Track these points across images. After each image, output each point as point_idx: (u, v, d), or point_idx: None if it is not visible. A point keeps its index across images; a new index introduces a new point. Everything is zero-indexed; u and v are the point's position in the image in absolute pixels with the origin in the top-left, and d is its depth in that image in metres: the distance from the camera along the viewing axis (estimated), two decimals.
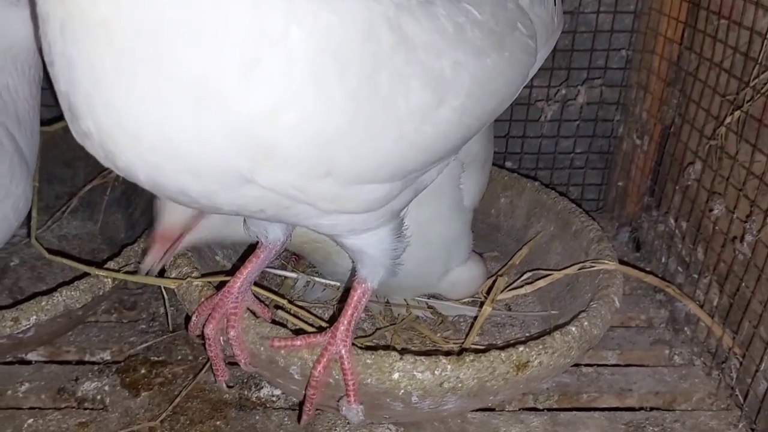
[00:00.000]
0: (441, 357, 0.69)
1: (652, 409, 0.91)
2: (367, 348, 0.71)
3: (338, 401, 0.71)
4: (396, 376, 0.68)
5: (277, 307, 0.88)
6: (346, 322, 0.70)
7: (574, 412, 0.88)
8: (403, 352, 0.69)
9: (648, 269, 1.12)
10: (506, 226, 1.11)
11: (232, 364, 0.90)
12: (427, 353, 0.70)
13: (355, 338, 0.78)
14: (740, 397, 0.88)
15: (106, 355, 0.97)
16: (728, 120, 0.93)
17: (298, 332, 0.73)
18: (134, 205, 1.13)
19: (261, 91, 0.48)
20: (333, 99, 0.51)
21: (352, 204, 0.59)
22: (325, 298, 1.00)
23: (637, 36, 1.23)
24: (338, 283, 0.99)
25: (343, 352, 0.69)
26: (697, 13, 1.04)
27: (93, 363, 0.95)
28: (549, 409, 0.90)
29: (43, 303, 0.83)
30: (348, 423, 0.84)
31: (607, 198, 1.35)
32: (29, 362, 0.95)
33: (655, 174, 1.18)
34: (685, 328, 1.02)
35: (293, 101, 0.50)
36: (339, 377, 0.70)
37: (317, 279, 0.99)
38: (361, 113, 0.53)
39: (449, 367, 0.68)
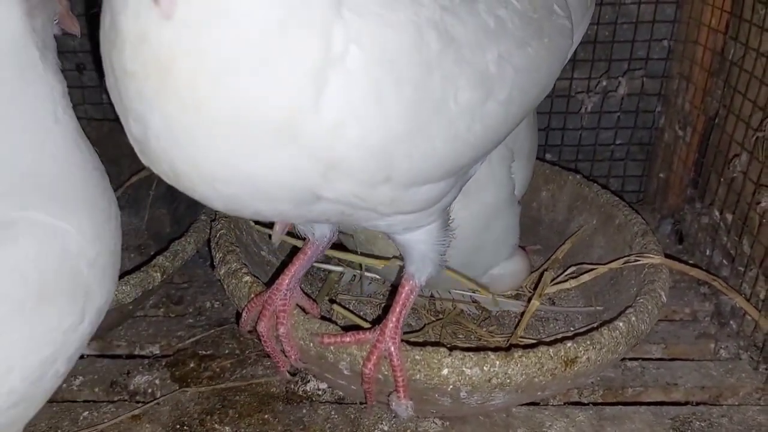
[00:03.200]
0: (490, 353, 0.69)
1: (698, 403, 0.90)
2: (416, 344, 0.71)
3: (388, 396, 0.72)
4: (445, 372, 0.69)
5: (332, 300, 0.89)
6: (394, 318, 0.71)
7: (620, 407, 0.88)
8: (451, 348, 0.70)
9: (691, 262, 1.10)
10: (548, 220, 1.11)
11: None
12: (475, 349, 0.71)
13: (403, 334, 0.79)
14: None
15: (155, 349, 0.99)
16: None
17: (348, 329, 0.74)
18: (179, 201, 1.15)
19: (327, 112, 0.49)
20: (390, 109, 0.52)
21: (409, 205, 0.60)
22: (370, 292, 1.01)
23: (679, 26, 1.21)
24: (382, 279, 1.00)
25: (392, 349, 0.69)
26: (742, 2, 1.02)
27: (143, 357, 0.97)
28: (594, 404, 0.90)
29: None
30: (394, 417, 0.85)
31: (648, 190, 1.34)
32: (81, 356, 0.97)
33: (698, 166, 1.17)
34: (731, 322, 1.01)
35: (355, 116, 0.51)
36: (388, 373, 0.70)
37: (364, 273, 0.99)
38: (416, 120, 0.54)
39: (498, 363, 0.69)
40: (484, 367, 0.69)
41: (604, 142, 1.31)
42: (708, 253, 1.11)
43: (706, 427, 0.85)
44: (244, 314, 0.80)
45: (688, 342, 1.00)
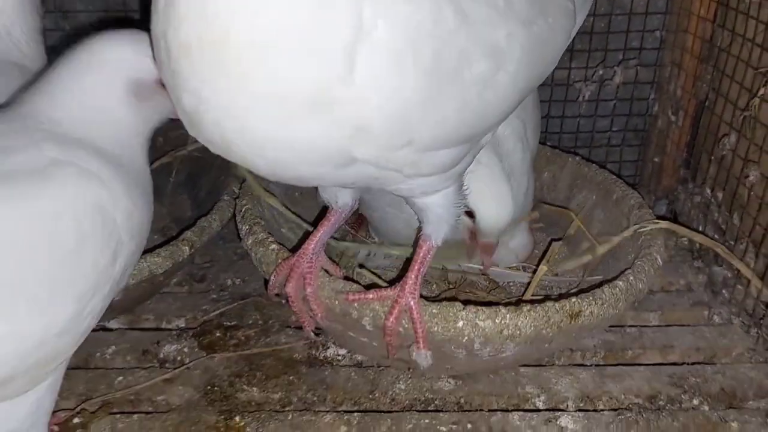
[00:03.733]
0: (501, 307, 0.76)
1: (693, 363, 0.96)
2: (433, 300, 0.78)
3: (408, 348, 0.78)
4: (460, 324, 0.75)
5: (361, 266, 0.96)
6: (413, 276, 0.78)
7: (620, 367, 0.95)
8: (465, 303, 0.76)
9: (684, 238, 1.17)
10: (549, 198, 1.18)
11: (298, 328, 0.99)
12: (487, 304, 0.77)
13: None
14: None
15: (182, 323, 1.04)
16: (761, 91, 0.98)
17: (369, 288, 0.80)
18: (200, 186, 1.20)
19: (357, 82, 0.56)
20: (410, 79, 0.59)
21: (429, 168, 0.66)
22: (385, 266, 1.08)
23: (670, 17, 1.28)
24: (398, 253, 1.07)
25: (411, 303, 0.76)
26: None
27: (170, 330, 1.03)
28: (596, 365, 0.96)
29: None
30: (410, 377, 0.91)
31: (643, 174, 1.40)
32: (111, 329, 1.03)
33: (690, 147, 1.24)
34: (723, 291, 1.07)
35: (379, 86, 0.57)
36: (408, 326, 0.77)
37: (380, 248, 1.06)
38: (433, 89, 0.60)
39: (508, 315, 0.75)
40: (496, 320, 0.75)
41: (600, 129, 1.38)
42: (701, 228, 1.17)
43: (702, 382, 0.92)
44: (272, 278, 0.86)
45: (684, 309, 1.06)
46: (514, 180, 0.95)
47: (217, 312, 1.04)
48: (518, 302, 0.77)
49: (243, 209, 0.95)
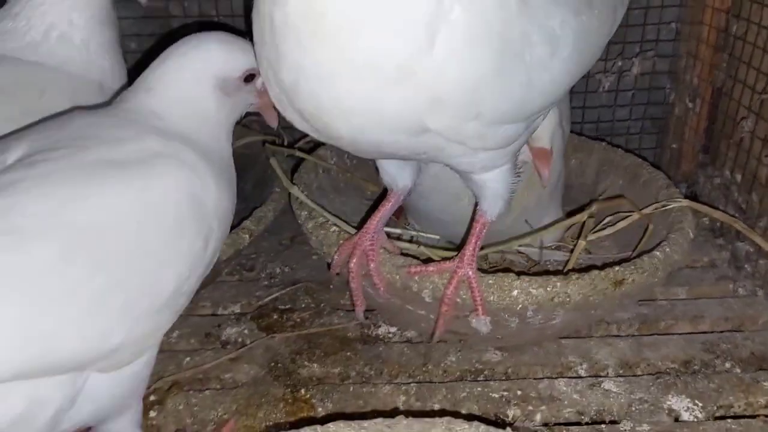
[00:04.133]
0: (551, 276, 0.82)
1: (723, 331, 1.02)
2: (487, 272, 0.84)
3: (467, 316, 0.84)
4: (515, 293, 0.81)
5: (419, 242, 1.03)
6: (471, 248, 0.84)
7: (655, 336, 1.01)
8: (519, 273, 0.83)
9: (706, 218, 1.24)
10: (577, 184, 1.24)
11: (349, 310, 1.05)
12: (537, 274, 0.83)
13: None
14: None
15: (237, 308, 1.10)
16: None
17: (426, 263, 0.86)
18: (246, 181, 1.26)
19: (435, 56, 0.63)
20: (482, 55, 0.66)
21: (492, 141, 0.73)
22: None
23: (685, 9, 1.35)
24: (438, 237, 1.13)
25: (470, 273, 0.82)
26: None
27: (228, 315, 1.09)
28: (632, 336, 1.02)
29: None
30: (459, 350, 0.97)
31: (662, 161, 1.47)
32: None
33: (709, 133, 1.30)
34: (746, 266, 1.13)
35: (456, 60, 0.65)
36: (466, 297, 0.83)
37: (422, 234, 1.12)
38: (500, 67, 0.67)
39: (558, 284, 0.81)
40: (548, 288, 0.81)
41: (620, 119, 1.45)
42: (721, 209, 1.23)
43: (732, 348, 0.98)
44: (335, 257, 0.92)
45: (710, 284, 1.13)
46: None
47: (271, 297, 1.11)
48: (566, 272, 0.84)
49: (298, 198, 1.01)
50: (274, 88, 0.71)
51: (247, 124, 1.31)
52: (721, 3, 1.23)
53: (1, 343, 0.57)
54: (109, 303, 0.62)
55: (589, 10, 0.80)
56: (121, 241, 0.64)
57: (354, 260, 0.89)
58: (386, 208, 0.92)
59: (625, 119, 1.45)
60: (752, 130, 1.13)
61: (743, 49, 1.16)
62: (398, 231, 1.10)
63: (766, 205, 1.09)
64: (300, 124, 0.73)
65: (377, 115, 0.66)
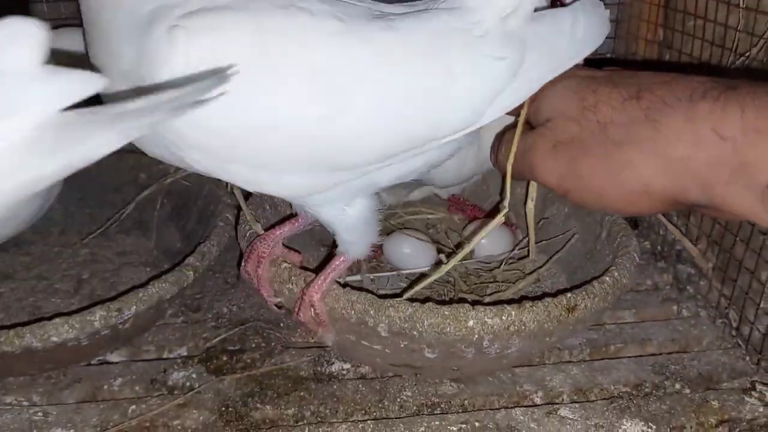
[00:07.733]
0: (505, 305, 0.82)
1: (670, 353, 1.05)
2: (443, 303, 0.83)
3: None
4: (471, 323, 0.81)
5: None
6: (322, 278, 0.87)
7: (606, 361, 1.02)
8: (474, 303, 0.82)
9: (647, 242, 1.28)
10: (523, 212, 1.25)
11: (301, 348, 1.03)
12: (492, 304, 0.83)
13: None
14: (741, 339, 1.03)
15: (184, 351, 1.06)
16: None
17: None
18: (187, 218, 1.23)
19: None
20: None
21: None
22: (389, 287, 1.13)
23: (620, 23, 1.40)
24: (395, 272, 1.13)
25: (315, 298, 0.86)
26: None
27: (174, 358, 1.05)
28: (584, 361, 1.03)
29: (141, 294, 0.93)
30: (415, 384, 0.96)
31: None
32: (114, 362, 1.04)
33: None
34: (688, 287, 1.17)
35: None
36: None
37: (381, 274, 1.12)
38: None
39: (513, 312, 0.82)
40: (503, 317, 0.81)
41: None
42: (662, 232, 1.27)
43: (681, 369, 1.00)
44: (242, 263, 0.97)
45: (655, 306, 1.15)
46: None
47: (219, 338, 1.07)
48: (521, 299, 0.84)
49: (247, 233, 0.99)
50: None
51: None
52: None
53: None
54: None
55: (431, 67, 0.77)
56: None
57: (248, 265, 0.94)
58: (294, 226, 0.96)
59: None
60: None
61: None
62: (356, 278, 1.10)
63: (706, 228, 1.12)
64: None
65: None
